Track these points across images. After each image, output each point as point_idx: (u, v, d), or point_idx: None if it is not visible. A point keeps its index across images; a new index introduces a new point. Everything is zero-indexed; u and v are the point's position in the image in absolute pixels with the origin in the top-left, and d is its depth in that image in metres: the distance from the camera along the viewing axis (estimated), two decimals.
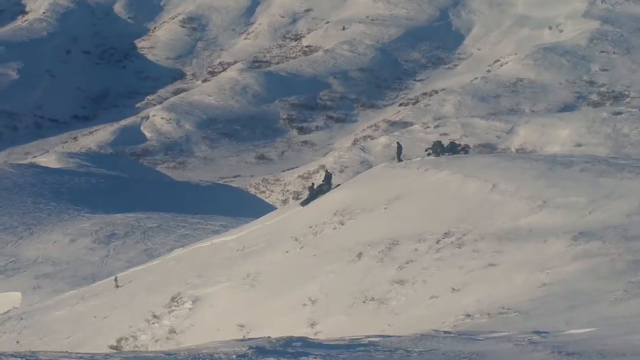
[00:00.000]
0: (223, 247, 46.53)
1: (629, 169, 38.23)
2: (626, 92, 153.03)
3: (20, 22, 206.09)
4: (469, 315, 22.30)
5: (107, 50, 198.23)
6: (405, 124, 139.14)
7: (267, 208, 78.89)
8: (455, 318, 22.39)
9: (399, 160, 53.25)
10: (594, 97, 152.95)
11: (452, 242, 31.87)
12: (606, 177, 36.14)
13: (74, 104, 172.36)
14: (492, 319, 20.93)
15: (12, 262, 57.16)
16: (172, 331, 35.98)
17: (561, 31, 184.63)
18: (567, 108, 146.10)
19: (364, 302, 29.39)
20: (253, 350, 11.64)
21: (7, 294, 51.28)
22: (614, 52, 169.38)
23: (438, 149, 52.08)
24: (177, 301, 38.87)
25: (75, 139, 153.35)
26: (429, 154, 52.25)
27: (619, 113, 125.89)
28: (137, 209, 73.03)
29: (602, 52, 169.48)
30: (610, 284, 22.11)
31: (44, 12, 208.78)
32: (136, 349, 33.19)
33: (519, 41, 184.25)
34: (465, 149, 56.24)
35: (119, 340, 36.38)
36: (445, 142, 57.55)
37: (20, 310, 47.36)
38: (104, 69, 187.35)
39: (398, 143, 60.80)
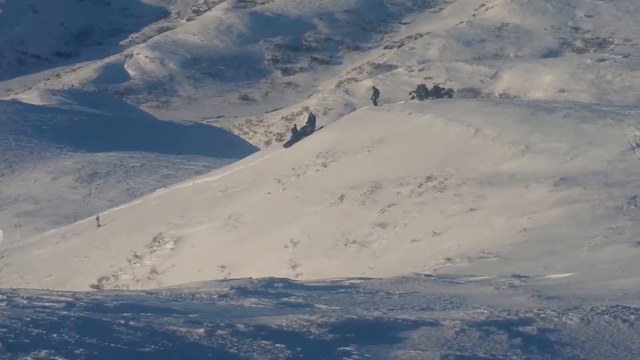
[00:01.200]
0: (205, 187, 46.55)
1: (612, 115, 38.29)
2: (610, 39, 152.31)
3: None
4: (449, 259, 22.39)
5: None
6: (389, 67, 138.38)
7: (250, 149, 78.75)
8: (436, 262, 22.49)
9: (375, 104, 53.42)
10: (578, 44, 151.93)
11: (434, 186, 31.95)
12: (588, 124, 36.22)
13: (57, 40, 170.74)
14: (472, 263, 21.02)
15: None
16: (153, 271, 36.06)
17: None
18: (551, 54, 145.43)
19: (346, 244, 29.46)
20: (235, 290, 11.61)
21: None
22: None
23: (422, 92, 52.04)
24: (158, 241, 38.93)
25: (58, 76, 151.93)
26: (412, 98, 52.26)
27: (603, 60, 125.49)
28: (119, 148, 72.41)
29: None
30: (590, 229, 22.22)
31: None
32: (117, 289, 33.24)
33: None
34: (449, 93, 56.27)
35: (100, 280, 36.45)
36: (430, 85, 57.43)
37: (1, 248, 47.35)
38: (88, 5, 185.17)
39: (374, 87, 60.93)
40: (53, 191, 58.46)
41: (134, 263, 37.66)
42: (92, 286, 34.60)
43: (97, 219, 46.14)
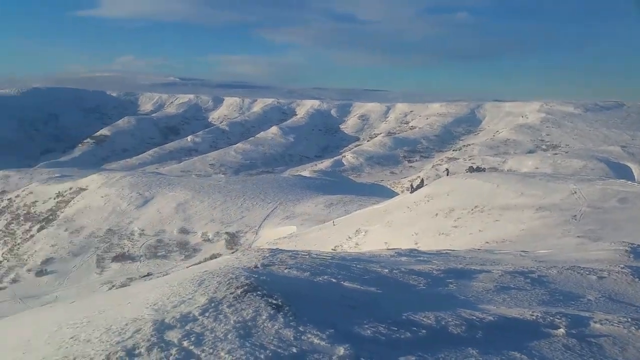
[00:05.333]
0: (378, 209, 46.36)
1: (563, 178, 35.53)
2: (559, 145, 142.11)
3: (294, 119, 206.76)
4: (487, 242, 21.32)
5: None
6: (456, 159, 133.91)
7: (395, 194, 77.87)
8: (481, 243, 21.46)
9: (447, 175, 52.16)
10: (544, 147, 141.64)
11: (479, 210, 30.60)
12: (551, 182, 33.73)
13: (315, 150, 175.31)
14: (498, 244, 19.92)
15: (292, 214, 58.42)
16: (357, 244, 36.11)
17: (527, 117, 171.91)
18: (529, 151, 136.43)
19: (439, 234, 28.63)
20: (395, 253, 11.48)
21: (289, 227, 52.75)
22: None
23: (471, 170, 50.24)
24: (358, 231, 39.00)
25: (321, 163, 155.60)
26: (466, 171, 50.34)
27: (556, 154, 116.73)
28: (344, 193, 72.15)
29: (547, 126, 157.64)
30: (555, 230, 20.64)
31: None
32: (343, 251, 33.56)
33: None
34: (483, 169, 53.99)
35: (334, 247, 36.81)
36: (474, 167, 55.30)
37: (295, 234, 48.72)
38: (326, 136, 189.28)
39: (447, 169, 59.46)
40: (317, 211, 59.43)
41: (349, 239, 37.86)
42: (332, 250, 35.08)
43: (333, 222, 46.79)
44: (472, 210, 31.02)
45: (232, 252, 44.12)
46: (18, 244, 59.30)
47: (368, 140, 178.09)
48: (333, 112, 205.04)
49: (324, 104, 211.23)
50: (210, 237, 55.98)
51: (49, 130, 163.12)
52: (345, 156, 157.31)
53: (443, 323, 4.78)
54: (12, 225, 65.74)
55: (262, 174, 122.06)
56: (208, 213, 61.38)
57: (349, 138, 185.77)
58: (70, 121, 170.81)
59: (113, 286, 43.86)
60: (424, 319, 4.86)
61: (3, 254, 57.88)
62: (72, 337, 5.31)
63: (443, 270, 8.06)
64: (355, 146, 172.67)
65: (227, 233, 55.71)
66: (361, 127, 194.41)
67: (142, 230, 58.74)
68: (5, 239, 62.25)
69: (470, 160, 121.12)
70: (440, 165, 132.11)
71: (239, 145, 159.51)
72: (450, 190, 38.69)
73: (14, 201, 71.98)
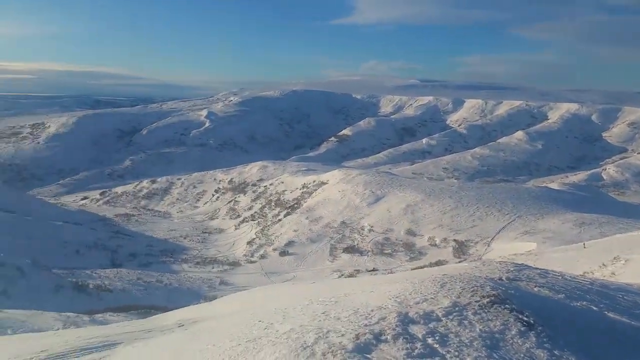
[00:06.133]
0: None
1: None
2: None
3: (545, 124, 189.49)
4: None
5: None
6: None
7: None
8: None
9: None
10: None
11: None
12: None
13: (568, 160, 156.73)
14: None
15: (532, 229, 53.42)
16: (613, 273, 31.05)
17: None
18: None
19: None
20: None
21: (527, 243, 48.50)
22: None
23: None
24: (616, 259, 33.50)
25: (565, 176, 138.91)
26: None
27: None
28: (600, 212, 62.23)
29: None
30: None
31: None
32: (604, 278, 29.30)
33: None
34: None
35: (583, 273, 32.41)
36: None
37: (534, 252, 44.53)
38: (583, 145, 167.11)
39: None
40: (563, 229, 52.83)
41: (602, 267, 32.89)
42: (580, 275, 31.00)
43: (584, 245, 41.20)
44: None
45: (460, 261, 43.00)
46: (268, 226, 70.54)
47: (639, 153, 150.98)
48: (594, 117, 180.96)
49: (584, 107, 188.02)
50: (437, 242, 55.97)
51: (302, 128, 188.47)
52: (606, 169, 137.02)
53: None
54: (265, 209, 78.89)
55: (501, 182, 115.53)
56: (437, 217, 61.41)
57: (612, 148, 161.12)
58: (319, 120, 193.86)
59: (342, 275, 47.99)
60: None
61: (256, 232, 69.43)
62: (323, 312, 6.08)
63: None
64: (621, 158, 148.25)
65: (455, 240, 54.78)
66: (631, 136, 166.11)
67: (372, 226, 62.49)
68: (259, 220, 74.88)
69: None
70: None
71: (477, 150, 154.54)
72: None
73: (269, 188, 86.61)
